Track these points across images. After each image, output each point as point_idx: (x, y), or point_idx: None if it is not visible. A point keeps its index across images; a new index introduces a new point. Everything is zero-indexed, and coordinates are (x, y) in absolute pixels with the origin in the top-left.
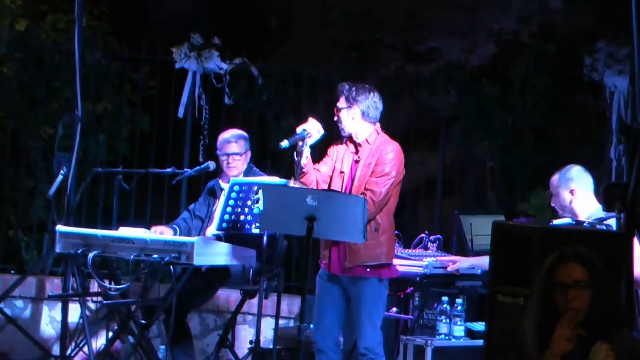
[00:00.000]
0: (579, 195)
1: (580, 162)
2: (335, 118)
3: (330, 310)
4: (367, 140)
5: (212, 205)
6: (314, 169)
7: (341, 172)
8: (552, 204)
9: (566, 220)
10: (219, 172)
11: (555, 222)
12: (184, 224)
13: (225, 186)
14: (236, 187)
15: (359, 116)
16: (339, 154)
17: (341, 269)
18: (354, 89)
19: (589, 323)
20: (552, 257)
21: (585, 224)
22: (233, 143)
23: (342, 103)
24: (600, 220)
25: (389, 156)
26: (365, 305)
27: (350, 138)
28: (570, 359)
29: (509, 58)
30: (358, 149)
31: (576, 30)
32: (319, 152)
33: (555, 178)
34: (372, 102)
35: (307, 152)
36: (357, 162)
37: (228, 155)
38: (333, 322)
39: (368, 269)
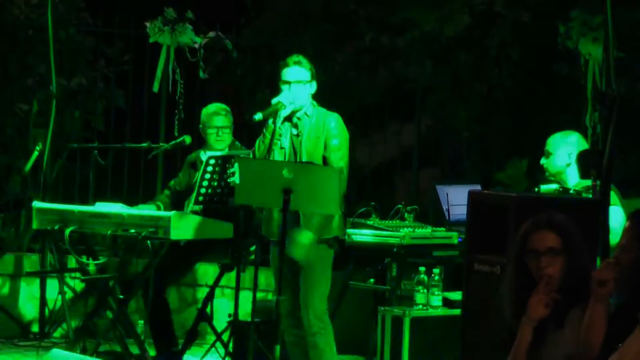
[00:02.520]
0: (574, 163)
1: (556, 129)
2: (284, 92)
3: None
4: (305, 114)
5: (192, 177)
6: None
7: (281, 147)
8: (543, 163)
9: (553, 186)
10: (202, 145)
11: (543, 187)
12: (167, 199)
13: None
14: (212, 161)
15: (313, 91)
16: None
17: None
18: (312, 64)
19: (565, 289)
20: (526, 225)
21: (571, 191)
22: (222, 116)
23: (304, 75)
24: (588, 188)
25: (335, 130)
26: (315, 272)
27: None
28: (546, 325)
29: (484, 28)
30: (297, 123)
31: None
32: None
33: (556, 138)
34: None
35: (278, 123)
36: (297, 135)
37: (218, 128)
38: (291, 295)
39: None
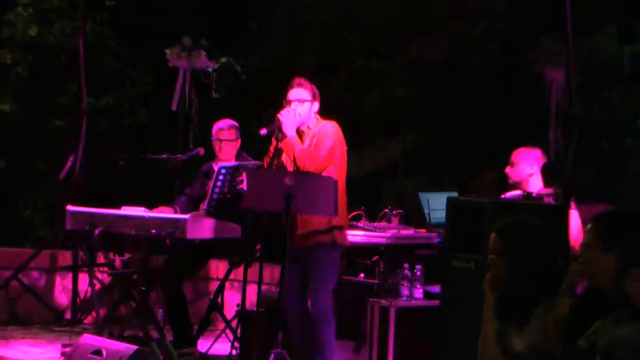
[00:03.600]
0: (536, 173)
1: (523, 144)
2: (290, 108)
3: (292, 279)
4: (307, 127)
5: (206, 185)
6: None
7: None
8: (508, 172)
9: (517, 192)
10: (213, 156)
11: (508, 194)
12: (183, 204)
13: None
14: (223, 171)
15: (316, 109)
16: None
17: (296, 239)
18: (313, 85)
19: (523, 287)
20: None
21: (533, 195)
22: (225, 130)
23: (304, 95)
24: (548, 195)
25: (328, 132)
26: (323, 270)
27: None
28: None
29: (462, 54)
30: (300, 136)
31: (519, 30)
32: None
33: (522, 151)
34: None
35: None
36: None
37: (220, 141)
38: (296, 289)
39: (322, 233)
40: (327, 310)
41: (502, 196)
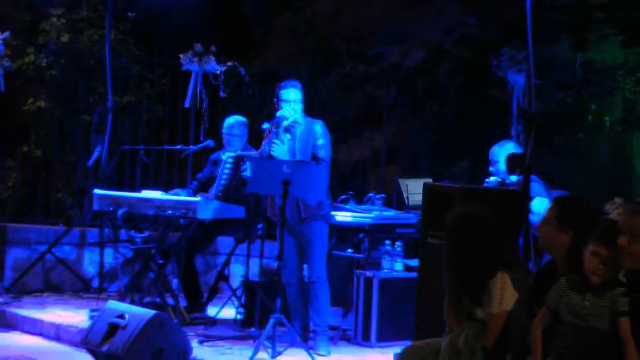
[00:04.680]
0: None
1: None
2: (283, 108)
3: (291, 252)
4: (297, 122)
5: (215, 171)
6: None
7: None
8: (492, 170)
9: (494, 179)
10: (221, 147)
11: (489, 179)
12: (195, 188)
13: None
14: (230, 160)
15: (302, 107)
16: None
17: (299, 219)
18: (301, 87)
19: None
20: None
21: (507, 182)
22: (235, 127)
23: (299, 96)
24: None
25: (320, 132)
26: (317, 242)
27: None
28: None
29: (435, 60)
30: (291, 130)
31: (486, 40)
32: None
33: (496, 149)
34: None
35: (280, 130)
36: (291, 139)
37: (231, 135)
38: (295, 261)
39: (318, 215)
40: (323, 275)
41: (486, 179)
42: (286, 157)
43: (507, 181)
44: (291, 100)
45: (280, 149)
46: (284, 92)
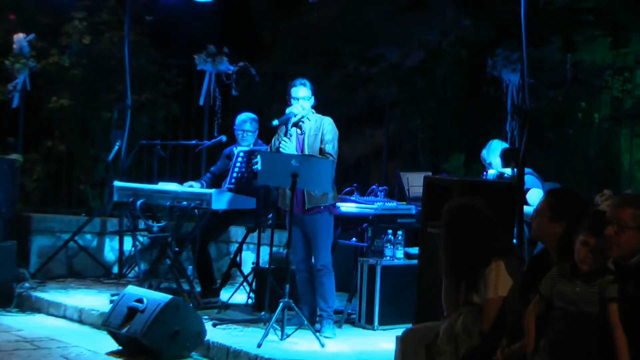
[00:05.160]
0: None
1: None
2: (293, 105)
3: (297, 241)
4: (307, 119)
5: (227, 165)
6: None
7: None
8: (489, 171)
9: (493, 173)
10: (233, 142)
11: (489, 173)
12: (208, 180)
13: None
14: (241, 154)
15: (313, 104)
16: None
17: (302, 210)
18: (311, 85)
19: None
20: None
21: (505, 176)
22: (247, 123)
23: (308, 93)
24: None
25: (328, 128)
26: (322, 232)
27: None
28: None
29: (434, 61)
30: (301, 126)
31: (481, 41)
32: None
33: (484, 153)
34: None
35: (289, 126)
36: (301, 134)
37: (243, 131)
38: (302, 249)
39: (322, 207)
40: (329, 263)
41: (484, 173)
42: (294, 153)
43: (505, 175)
44: (300, 98)
45: (288, 147)
46: (294, 89)
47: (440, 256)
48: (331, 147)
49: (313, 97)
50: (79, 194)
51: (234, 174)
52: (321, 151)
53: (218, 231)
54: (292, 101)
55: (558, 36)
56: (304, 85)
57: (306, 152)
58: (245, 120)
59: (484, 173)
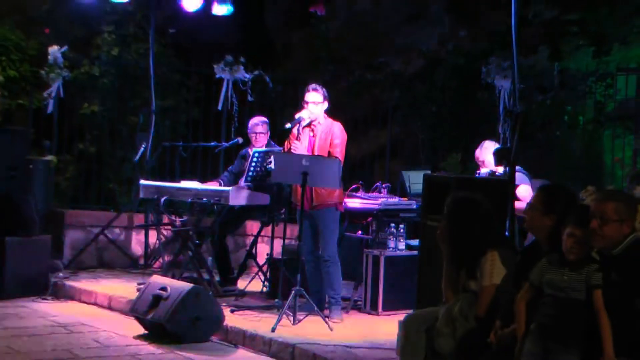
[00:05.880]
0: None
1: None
2: (307, 108)
3: (306, 234)
4: (319, 122)
5: (243, 165)
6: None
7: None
8: (482, 169)
9: (485, 171)
10: (249, 143)
11: (481, 171)
12: (226, 179)
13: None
14: (257, 155)
15: (325, 108)
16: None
17: (310, 206)
18: (324, 90)
19: (466, 247)
20: None
21: (497, 174)
22: (259, 126)
23: (318, 98)
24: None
25: (337, 133)
26: (328, 226)
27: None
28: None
29: (433, 68)
30: (313, 128)
31: (476, 50)
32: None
33: (477, 152)
34: None
35: (300, 129)
36: (313, 136)
37: (256, 133)
38: (311, 242)
39: (330, 204)
40: (335, 254)
41: (477, 172)
42: (304, 154)
43: (497, 173)
44: (311, 102)
45: (299, 149)
46: (307, 94)
47: (441, 246)
48: (338, 151)
49: (326, 102)
50: (108, 191)
51: (250, 173)
52: (329, 154)
53: (235, 225)
54: (305, 105)
55: (546, 46)
56: (316, 90)
57: (316, 152)
58: (257, 123)
59: (477, 171)
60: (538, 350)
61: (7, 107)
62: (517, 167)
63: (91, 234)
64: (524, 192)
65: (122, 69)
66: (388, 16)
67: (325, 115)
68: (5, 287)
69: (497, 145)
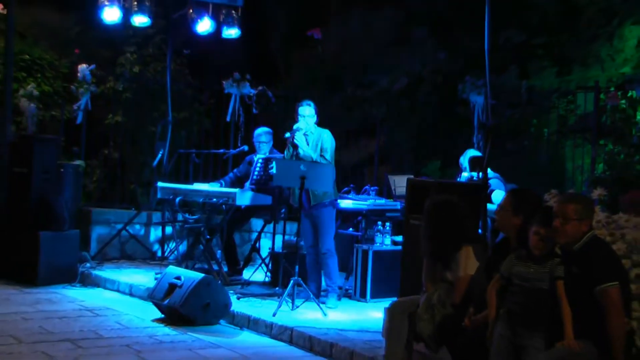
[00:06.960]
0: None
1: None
2: (300, 121)
3: (307, 230)
4: (311, 132)
5: (249, 169)
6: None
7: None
8: (465, 174)
9: (465, 176)
10: (254, 151)
11: (462, 175)
12: (229, 179)
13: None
14: (260, 161)
15: (315, 120)
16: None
17: (309, 206)
18: (315, 105)
19: (439, 244)
20: None
21: (474, 178)
22: (263, 135)
23: (311, 112)
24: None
25: (326, 139)
26: (325, 223)
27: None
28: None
29: (416, 86)
30: (306, 137)
31: (453, 70)
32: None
33: (461, 159)
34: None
35: (296, 136)
36: (307, 144)
37: (260, 142)
38: (311, 237)
39: (327, 203)
40: (332, 248)
41: (457, 176)
42: (308, 154)
43: (474, 177)
44: (305, 115)
45: (305, 150)
46: (301, 108)
47: (422, 241)
48: (328, 155)
49: (316, 116)
50: (129, 192)
51: (254, 177)
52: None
53: (241, 223)
54: (299, 118)
55: (515, 66)
56: (309, 105)
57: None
58: (261, 133)
59: (459, 176)
60: (507, 333)
61: (42, 118)
62: (495, 174)
63: (115, 229)
64: (498, 196)
65: (143, 85)
66: (377, 40)
67: (316, 126)
68: (40, 275)
69: (477, 154)
